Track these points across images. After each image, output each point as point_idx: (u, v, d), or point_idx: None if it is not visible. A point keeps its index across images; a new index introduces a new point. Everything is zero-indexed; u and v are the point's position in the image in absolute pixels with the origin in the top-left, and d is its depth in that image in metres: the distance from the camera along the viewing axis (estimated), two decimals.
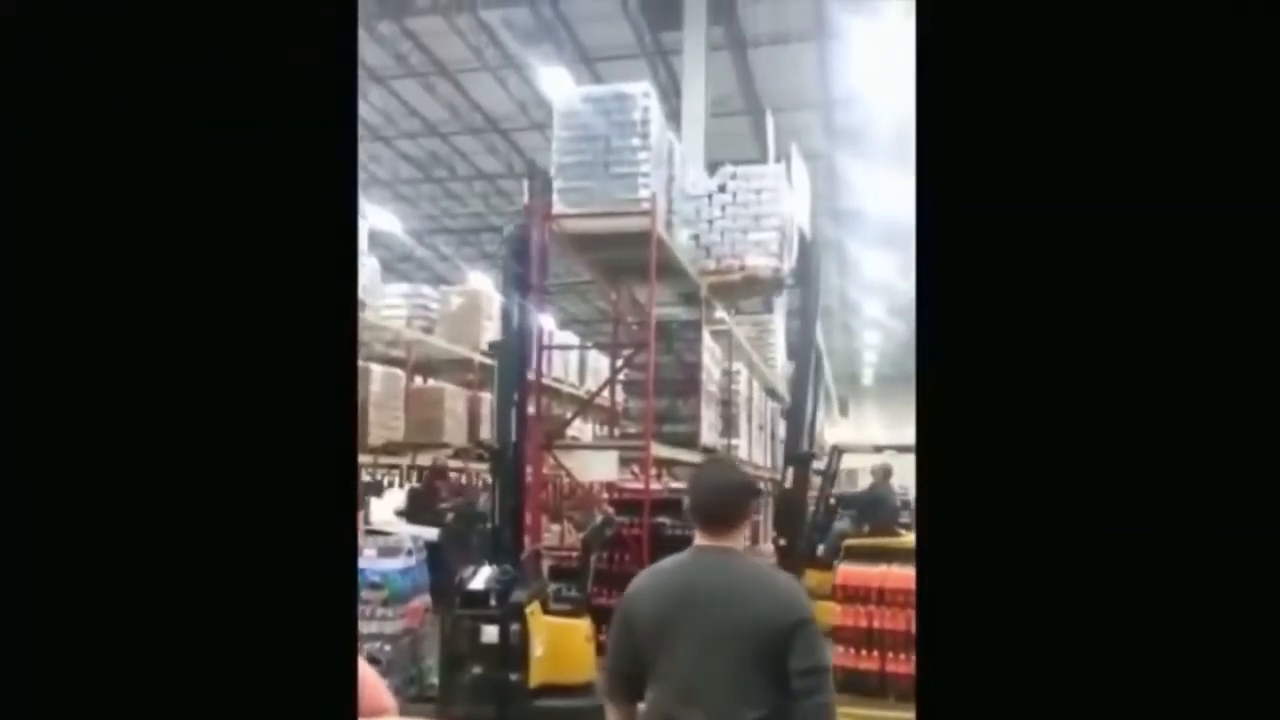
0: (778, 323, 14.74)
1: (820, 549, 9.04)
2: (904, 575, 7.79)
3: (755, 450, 12.34)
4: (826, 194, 16.97)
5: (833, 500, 10.38)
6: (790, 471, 8.52)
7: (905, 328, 28.65)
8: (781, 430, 15.93)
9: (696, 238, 9.50)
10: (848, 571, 7.82)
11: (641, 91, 8.30)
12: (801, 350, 8.92)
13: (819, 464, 8.97)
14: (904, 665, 7.07)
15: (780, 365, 15.31)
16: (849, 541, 9.65)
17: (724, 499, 2.39)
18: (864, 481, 12.24)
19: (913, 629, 7.27)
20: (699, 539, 2.38)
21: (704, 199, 9.54)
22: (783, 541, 8.43)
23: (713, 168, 9.92)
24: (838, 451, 9.59)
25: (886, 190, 15.62)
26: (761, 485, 8.90)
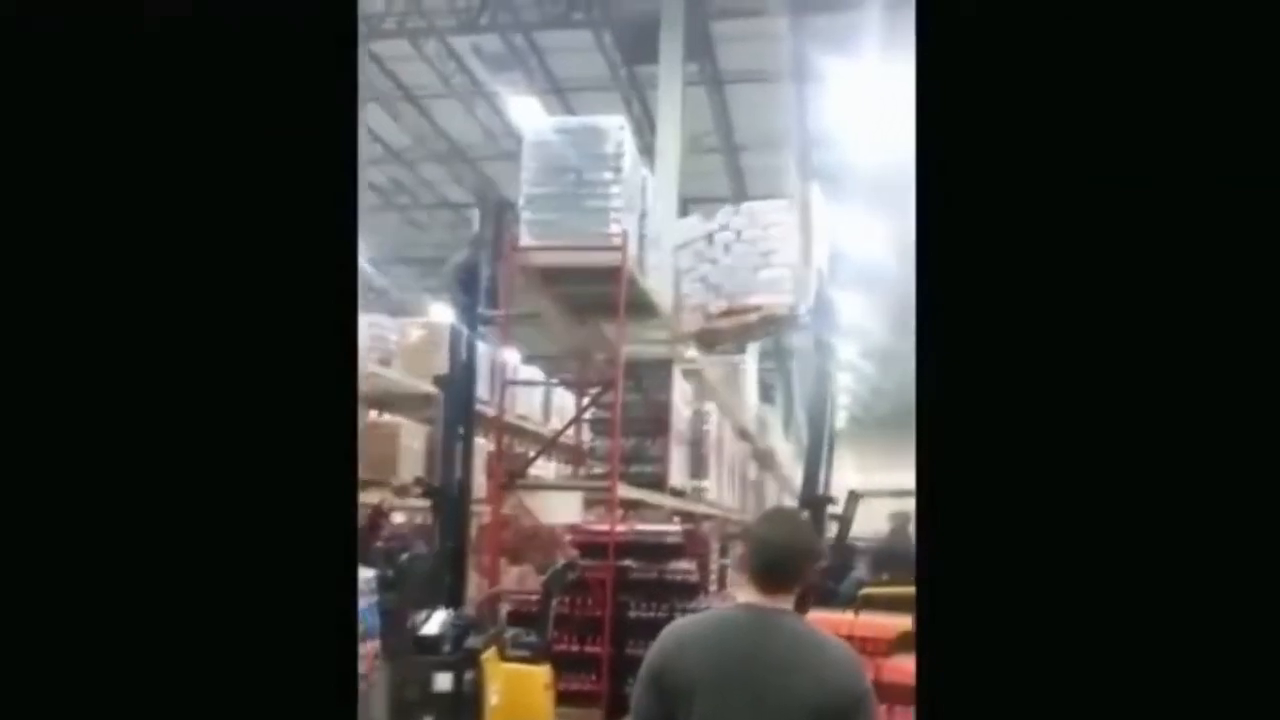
0: (749, 363, 14.58)
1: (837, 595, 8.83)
2: (873, 624, 7.66)
3: (725, 493, 12.14)
4: (800, 234, 16.92)
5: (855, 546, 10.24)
6: (806, 516, 8.33)
7: (877, 371, 28.63)
8: (752, 472, 15.82)
9: (704, 279, 9.31)
10: (816, 619, 7.68)
11: (616, 125, 8.16)
12: (817, 392, 8.77)
13: (835, 508, 8.75)
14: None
15: (752, 406, 15.13)
16: (866, 590, 9.47)
17: (791, 558, 2.21)
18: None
19: (881, 677, 7.17)
20: (748, 596, 2.21)
21: (704, 240, 9.37)
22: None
23: (708, 210, 9.78)
24: (855, 497, 9.36)
25: (860, 232, 15.57)
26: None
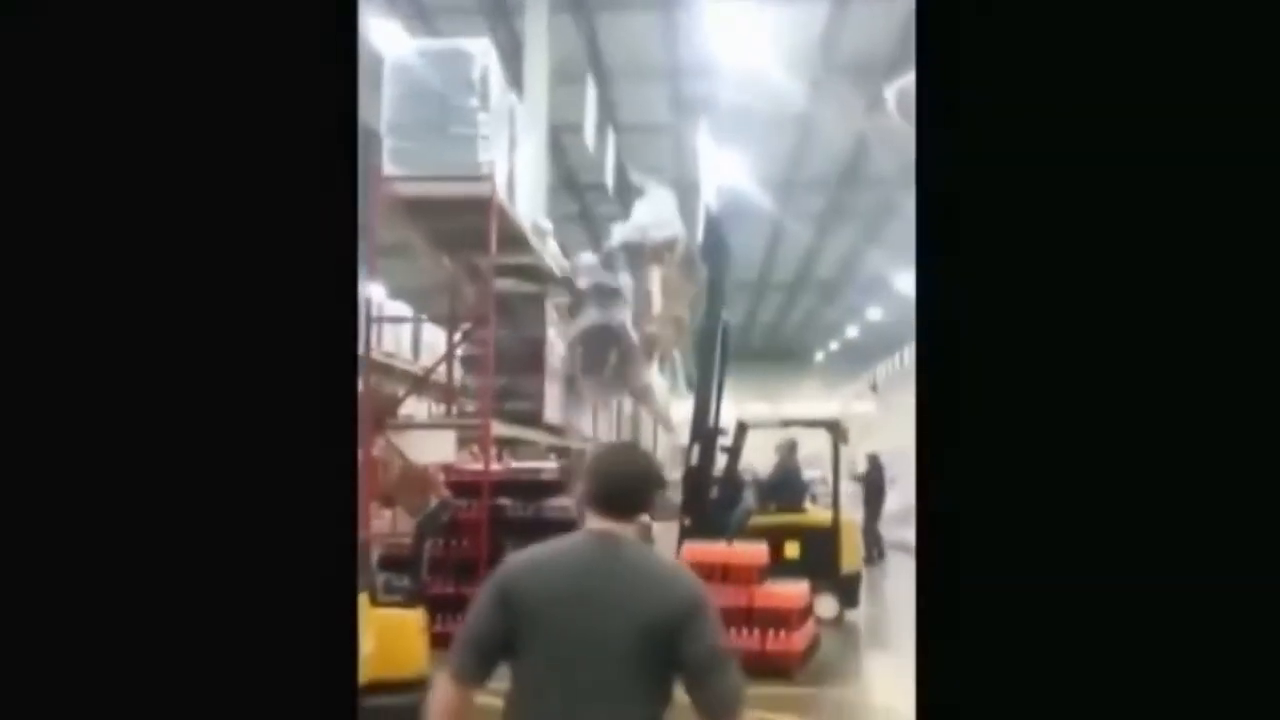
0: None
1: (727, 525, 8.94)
2: (748, 552, 7.81)
3: (602, 427, 12.10)
4: (673, 166, 16.82)
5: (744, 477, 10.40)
6: (696, 449, 8.35)
7: (749, 303, 29.01)
8: (628, 406, 15.83)
9: None
10: (691, 549, 7.79)
11: (481, 49, 7.82)
12: (708, 326, 8.71)
13: (725, 440, 8.78)
14: (746, 641, 7.15)
15: None
16: (755, 520, 9.59)
17: (631, 487, 2.31)
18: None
19: (754, 602, 7.35)
20: (593, 523, 2.28)
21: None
22: (688, 520, 8.29)
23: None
24: (743, 428, 9.42)
25: (731, 163, 15.53)
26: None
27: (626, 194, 14.85)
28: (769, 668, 7.06)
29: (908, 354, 32.56)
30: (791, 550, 9.21)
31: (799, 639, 7.54)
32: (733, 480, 9.25)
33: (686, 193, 9.72)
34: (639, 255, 9.50)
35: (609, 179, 15.08)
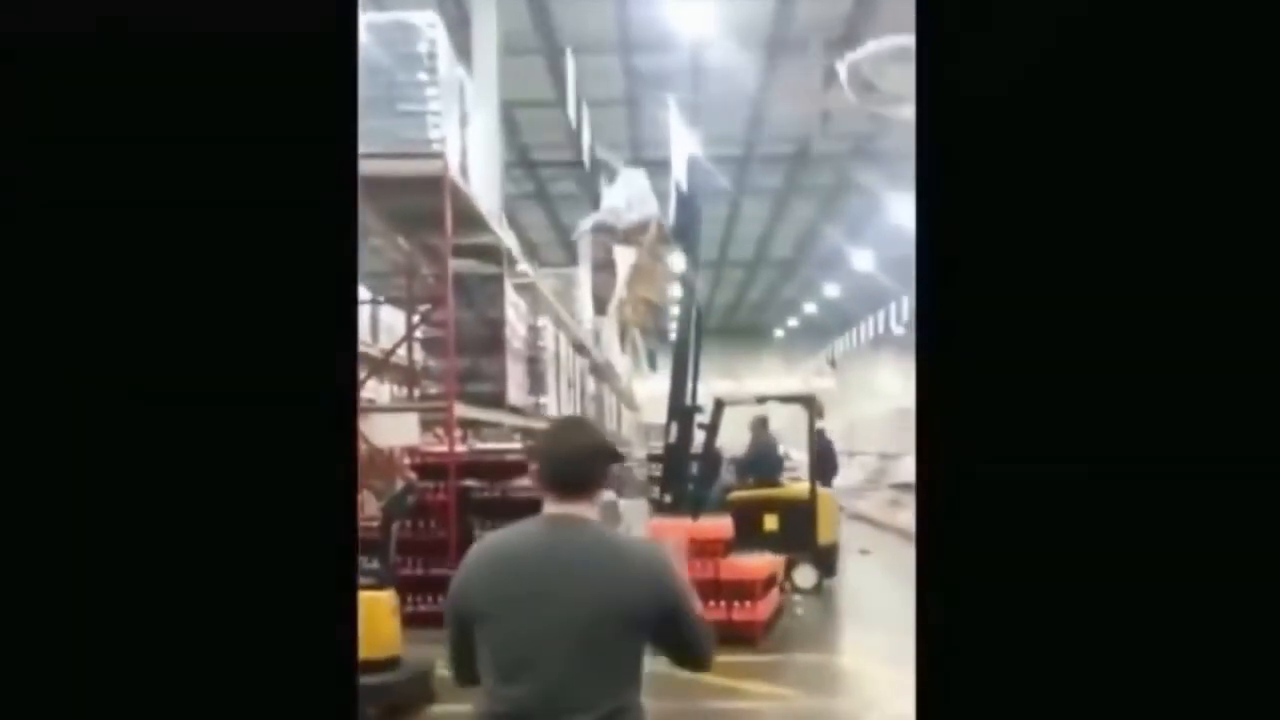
0: (583, 275, 14.41)
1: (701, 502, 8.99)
2: (713, 526, 7.84)
3: (565, 407, 12.02)
4: (632, 142, 16.71)
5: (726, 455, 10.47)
6: (674, 426, 8.36)
7: (709, 279, 28.98)
8: (591, 386, 15.79)
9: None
10: (658, 525, 7.82)
11: (427, 22, 7.69)
12: (683, 305, 8.69)
13: (702, 418, 8.78)
14: (713, 612, 7.22)
15: (587, 320, 14.99)
16: (735, 495, 9.63)
17: (582, 463, 2.18)
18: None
19: (720, 575, 7.39)
20: (550, 506, 2.16)
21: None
22: (667, 498, 8.30)
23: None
24: (720, 405, 9.48)
25: (686, 137, 15.45)
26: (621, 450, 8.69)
27: (596, 170, 14.70)
28: (734, 636, 7.13)
29: (864, 329, 32.80)
30: (771, 523, 9.31)
31: (763, 608, 7.66)
32: (711, 457, 9.26)
33: (649, 171, 9.62)
34: (612, 238, 9.44)
35: (585, 155, 14.89)
